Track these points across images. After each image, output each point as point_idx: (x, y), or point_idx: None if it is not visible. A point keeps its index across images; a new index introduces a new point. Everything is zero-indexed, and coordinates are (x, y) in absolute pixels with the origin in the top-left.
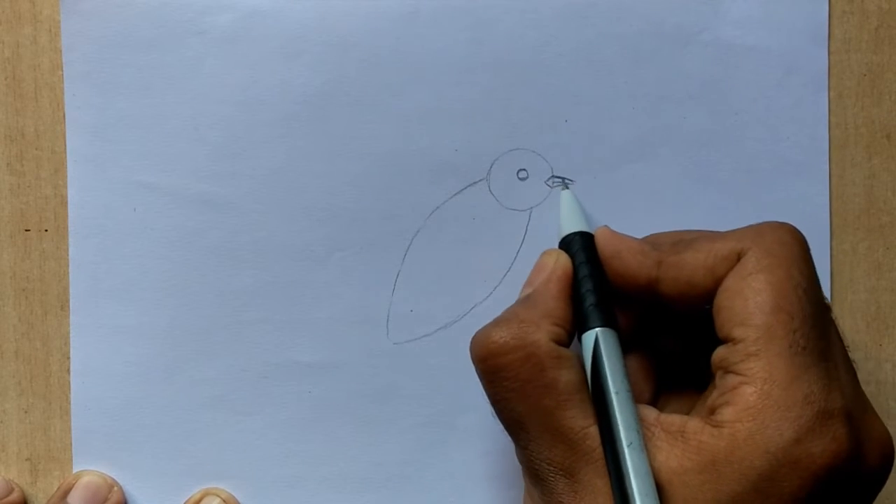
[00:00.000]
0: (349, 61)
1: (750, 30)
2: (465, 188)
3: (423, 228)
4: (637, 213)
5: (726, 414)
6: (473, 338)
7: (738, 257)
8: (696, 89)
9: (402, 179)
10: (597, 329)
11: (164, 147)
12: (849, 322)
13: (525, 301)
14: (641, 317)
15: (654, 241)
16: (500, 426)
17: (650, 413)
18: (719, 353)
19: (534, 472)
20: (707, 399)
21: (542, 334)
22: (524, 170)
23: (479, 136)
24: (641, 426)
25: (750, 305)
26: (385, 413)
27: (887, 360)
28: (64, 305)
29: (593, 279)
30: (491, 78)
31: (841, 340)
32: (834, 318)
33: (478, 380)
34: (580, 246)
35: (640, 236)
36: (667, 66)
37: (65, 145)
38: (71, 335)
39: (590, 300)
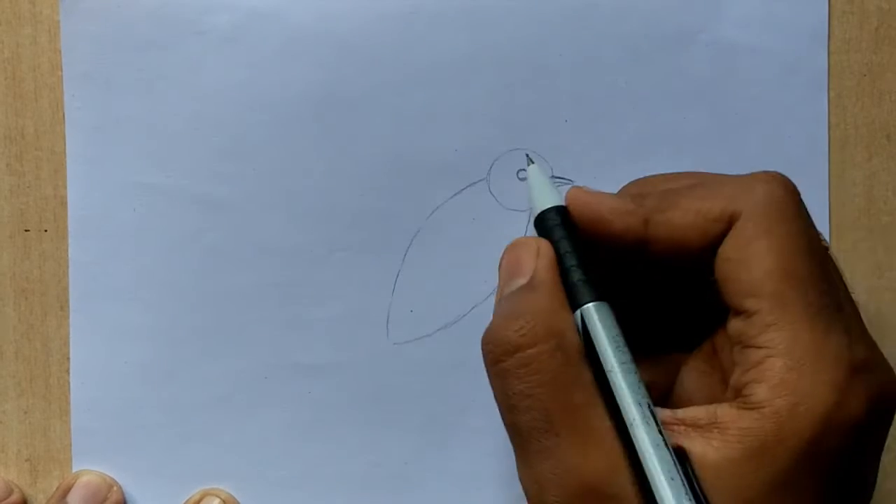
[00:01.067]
0: (349, 61)
1: (750, 30)
2: (465, 188)
3: (423, 228)
4: None
5: (761, 393)
6: (488, 336)
7: (731, 219)
8: (696, 89)
9: (402, 179)
10: (591, 304)
11: (164, 147)
12: None
13: (527, 290)
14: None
15: (638, 193)
16: (501, 425)
17: (664, 413)
18: (734, 326)
19: (561, 486)
20: (724, 376)
21: (568, 324)
22: (524, 170)
23: (479, 136)
24: (661, 425)
25: (756, 274)
26: (385, 413)
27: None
28: (64, 306)
29: (577, 253)
30: (491, 78)
31: (840, 277)
32: (830, 252)
33: (477, 379)
34: (557, 221)
35: None
36: (667, 66)
37: (65, 145)
38: (71, 335)
39: (577, 275)
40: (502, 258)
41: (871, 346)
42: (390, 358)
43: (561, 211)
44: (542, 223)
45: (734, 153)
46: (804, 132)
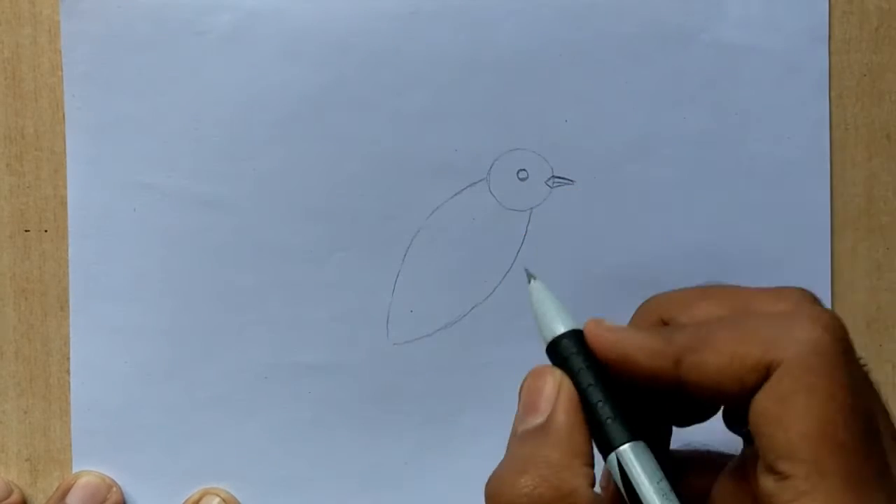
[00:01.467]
0: (349, 61)
1: (750, 30)
2: (465, 188)
3: (423, 228)
4: (637, 214)
5: None
6: (493, 484)
7: (768, 368)
8: (696, 89)
9: (402, 179)
10: (626, 446)
11: (164, 147)
12: (849, 322)
13: (541, 435)
14: None
15: (665, 328)
16: (502, 425)
17: None
18: (766, 484)
19: None
20: (755, 500)
21: (580, 480)
22: (524, 170)
23: (479, 136)
24: None
25: (793, 436)
26: (385, 413)
27: (887, 361)
28: (64, 306)
29: (602, 385)
30: (491, 78)
31: (887, 415)
32: (875, 387)
33: (477, 379)
34: (575, 350)
35: (640, 238)
36: (667, 66)
37: (65, 145)
38: (71, 335)
39: (606, 412)
40: (523, 384)
41: None
42: (390, 358)
43: (577, 336)
44: (557, 352)
45: (735, 153)
46: (804, 132)
